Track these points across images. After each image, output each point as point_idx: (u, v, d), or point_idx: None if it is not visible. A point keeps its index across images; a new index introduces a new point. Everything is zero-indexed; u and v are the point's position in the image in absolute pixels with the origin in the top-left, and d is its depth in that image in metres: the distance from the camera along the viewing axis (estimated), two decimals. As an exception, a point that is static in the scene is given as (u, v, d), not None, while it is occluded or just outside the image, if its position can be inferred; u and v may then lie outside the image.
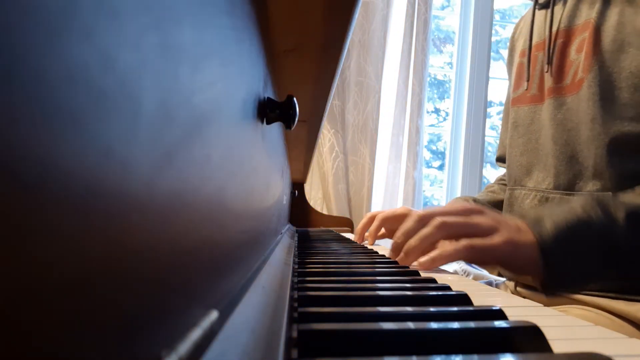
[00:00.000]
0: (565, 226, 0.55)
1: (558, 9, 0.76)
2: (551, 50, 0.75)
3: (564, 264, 0.54)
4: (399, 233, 0.61)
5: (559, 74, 0.74)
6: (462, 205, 0.62)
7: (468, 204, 0.61)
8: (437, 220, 0.57)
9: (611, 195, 0.59)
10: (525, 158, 0.80)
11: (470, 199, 0.91)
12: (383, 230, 0.92)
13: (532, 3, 0.83)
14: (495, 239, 0.55)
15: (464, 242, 0.55)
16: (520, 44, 0.87)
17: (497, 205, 0.91)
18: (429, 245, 0.57)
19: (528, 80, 0.80)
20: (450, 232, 0.57)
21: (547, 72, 0.75)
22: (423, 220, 0.59)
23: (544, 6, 0.80)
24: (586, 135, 0.67)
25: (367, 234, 0.93)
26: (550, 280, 0.55)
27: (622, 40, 0.64)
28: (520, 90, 0.83)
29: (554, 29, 0.75)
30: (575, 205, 0.57)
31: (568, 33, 0.73)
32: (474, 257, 0.56)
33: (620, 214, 0.54)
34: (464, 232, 0.56)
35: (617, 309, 0.61)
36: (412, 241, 0.58)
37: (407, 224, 0.60)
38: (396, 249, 0.61)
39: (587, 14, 0.70)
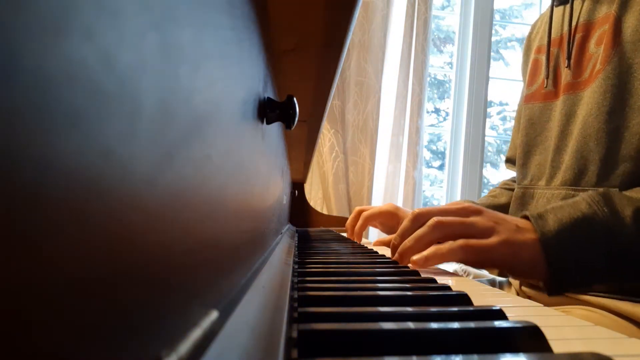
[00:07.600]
0: (568, 222, 0.53)
1: (577, 3, 0.75)
2: (571, 45, 0.74)
3: (567, 261, 0.52)
4: (396, 234, 0.61)
5: (578, 69, 0.73)
6: (461, 204, 0.61)
7: (466, 204, 0.60)
8: (433, 219, 0.56)
9: (617, 191, 0.57)
10: (540, 156, 0.79)
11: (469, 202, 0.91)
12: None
13: (539, 2, 0.83)
14: (492, 240, 0.53)
15: (459, 242, 0.53)
16: (537, 41, 0.86)
17: (497, 209, 0.91)
18: (424, 245, 0.56)
19: (547, 77, 0.78)
20: (446, 231, 0.55)
21: (566, 67, 0.74)
22: (419, 220, 0.58)
23: (563, 2, 0.79)
24: (598, 127, 0.66)
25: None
26: (553, 278, 0.53)
27: None
28: (535, 86, 0.82)
29: (573, 23, 0.75)
30: (580, 200, 0.56)
31: (588, 27, 0.72)
32: (470, 257, 0.54)
33: (627, 211, 0.53)
34: (460, 232, 0.55)
35: (622, 309, 0.61)
36: (407, 242, 0.57)
37: (404, 225, 0.60)
38: (393, 249, 0.61)
39: (608, 7, 0.69)
